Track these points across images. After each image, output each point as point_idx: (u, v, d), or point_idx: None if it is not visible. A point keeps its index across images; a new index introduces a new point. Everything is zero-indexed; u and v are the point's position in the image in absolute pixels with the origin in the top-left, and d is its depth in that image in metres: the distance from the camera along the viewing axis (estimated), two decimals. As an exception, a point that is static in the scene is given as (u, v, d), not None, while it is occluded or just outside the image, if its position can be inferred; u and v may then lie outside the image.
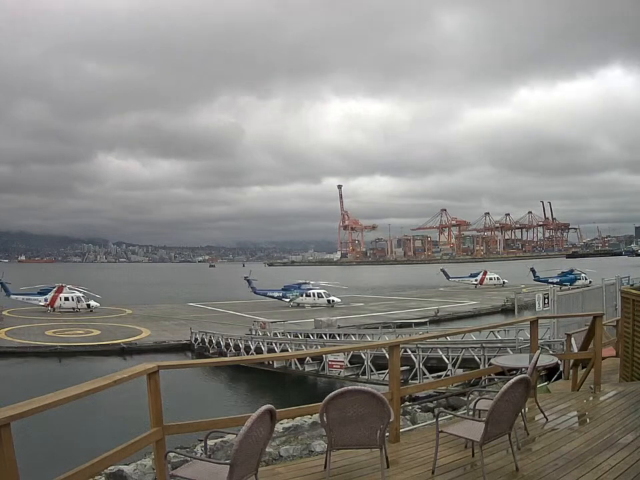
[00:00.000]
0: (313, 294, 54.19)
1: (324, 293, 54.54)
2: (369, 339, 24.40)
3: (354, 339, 25.67)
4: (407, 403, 13.07)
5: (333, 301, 53.16)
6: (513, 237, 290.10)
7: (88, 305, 49.55)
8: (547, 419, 6.20)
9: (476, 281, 72.47)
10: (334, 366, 21.10)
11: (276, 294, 56.91)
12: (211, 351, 30.22)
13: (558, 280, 57.87)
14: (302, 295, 54.40)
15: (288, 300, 54.57)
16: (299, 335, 27.33)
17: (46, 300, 49.57)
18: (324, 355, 20.82)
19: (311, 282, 57.51)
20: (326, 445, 4.74)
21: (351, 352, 20.02)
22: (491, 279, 72.95)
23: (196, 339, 32.46)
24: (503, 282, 71.75)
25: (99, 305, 50.16)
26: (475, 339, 19.13)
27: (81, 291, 50.93)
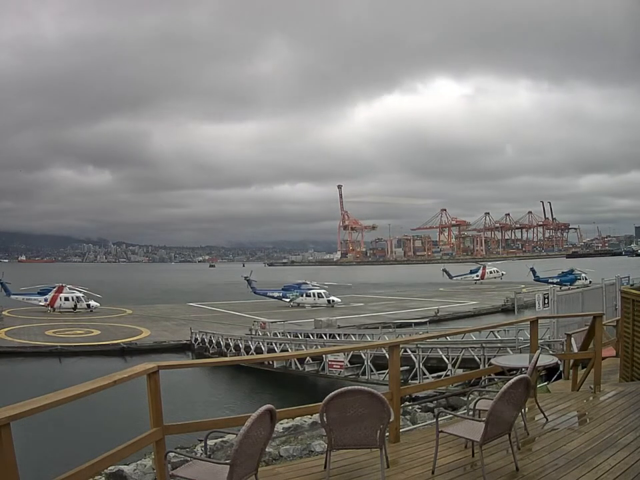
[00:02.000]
0: (313, 294, 54.18)
1: (324, 292, 54.48)
2: (369, 339, 24.41)
3: (354, 339, 25.68)
4: (407, 403, 13.07)
5: (333, 300, 53.17)
6: (512, 237, 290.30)
7: (88, 305, 49.55)
8: (547, 419, 6.20)
9: (477, 276, 73.31)
10: (334, 366, 21.09)
11: (276, 294, 56.89)
12: (210, 351, 30.22)
13: (558, 280, 57.85)
14: (302, 295, 54.40)
15: (288, 300, 54.52)
16: (299, 335, 27.33)
17: (46, 300, 49.58)
18: (324, 355, 20.81)
19: (313, 282, 57.55)
20: (326, 445, 4.74)
21: (351, 352, 20.01)
22: (491, 272, 74.88)
23: (196, 339, 32.47)
24: (502, 274, 73.77)
25: (99, 304, 50.17)
26: (474, 338, 19.14)
27: (81, 291, 50.94)
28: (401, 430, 5.98)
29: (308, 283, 56.66)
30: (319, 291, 54.85)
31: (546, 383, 9.39)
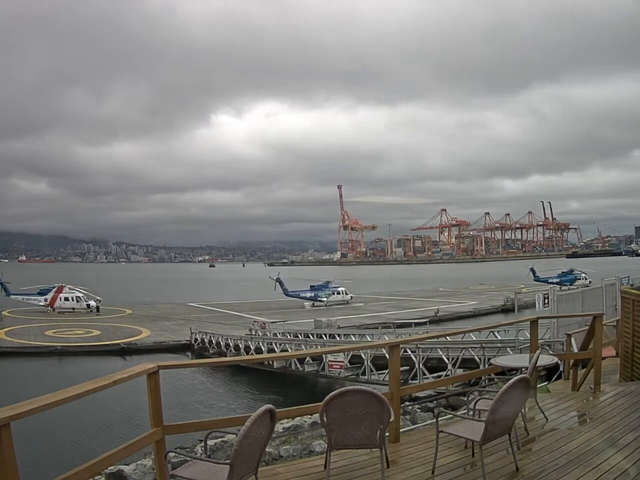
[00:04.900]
0: (338, 292, 55.32)
1: (343, 290, 55.81)
2: (369, 339, 24.39)
3: (354, 339, 25.67)
4: (407, 403, 13.07)
5: (351, 298, 55.18)
6: (512, 237, 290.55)
7: (88, 305, 49.50)
8: (547, 419, 6.20)
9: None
10: (334, 366, 21.07)
11: (309, 294, 55.86)
12: (210, 351, 30.22)
13: (558, 280, 57.77)
14: (333, 294, 55.08)
15: (324, 300, 54.03)
16: (299, 335, 27.32)
17: (46, 300, 49.51)
18: (324, 355, 20.80)
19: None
20: (326, 445, 4.74)
21: (351, 352, 20.00)
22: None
23: (196, 339, 32.46)
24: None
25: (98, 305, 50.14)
26: (474, 338, 19.11)
27: (80, 291, 50.90)
28: (401, 430, 5.97)
29: (331, 281, 57.06)
30: (341, 289, 56.13)
31: (546, 383, 9.39)
